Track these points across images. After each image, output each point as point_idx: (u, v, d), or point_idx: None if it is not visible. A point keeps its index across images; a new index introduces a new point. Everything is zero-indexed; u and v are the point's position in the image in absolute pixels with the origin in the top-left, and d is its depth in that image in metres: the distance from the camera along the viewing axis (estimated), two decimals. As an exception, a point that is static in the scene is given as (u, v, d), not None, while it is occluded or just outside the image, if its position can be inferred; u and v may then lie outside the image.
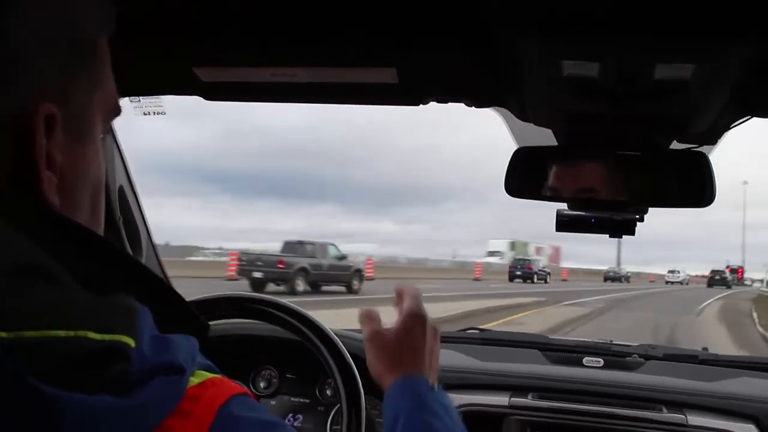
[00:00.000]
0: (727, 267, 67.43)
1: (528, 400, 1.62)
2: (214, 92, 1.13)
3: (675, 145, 1.22)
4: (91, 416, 0.33)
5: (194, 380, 0.40)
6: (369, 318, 0.91)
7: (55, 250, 0.39)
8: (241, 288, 18.75)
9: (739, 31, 0.78)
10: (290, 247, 21.18)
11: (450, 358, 1.76)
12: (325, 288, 20.37)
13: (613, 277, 60.81)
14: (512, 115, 1.17)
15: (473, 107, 1.11)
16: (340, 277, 21.00)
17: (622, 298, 28.60)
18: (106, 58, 0.50)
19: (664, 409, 1.55)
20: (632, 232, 1.25)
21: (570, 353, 1.89)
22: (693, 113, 1.04)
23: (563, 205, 1.24)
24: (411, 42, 0.92)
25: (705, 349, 2.14)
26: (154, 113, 1.24)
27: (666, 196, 1.19)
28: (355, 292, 20.54)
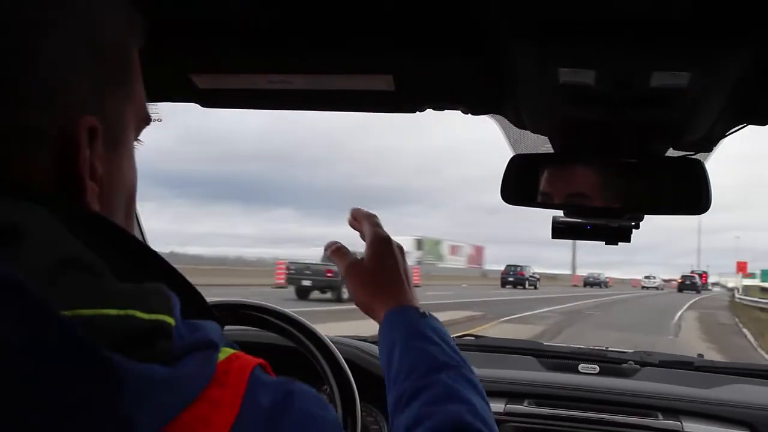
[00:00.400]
0: (692, 272, 70.07)
1: (524, 407, 1.62)
2: (210, 99, 1.13)
3: (671, 153, 1.22)
4: (147, 383, 0.37)
5: (220, 356, 0.44)
6: (339, 253, 0.91)
7: (97, 249, 0.42)
8: (283, 295, 20.56)
9: (735, 37, 0.78)
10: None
11: None
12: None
13: (592, 283, 66.07)
14: (508, 122, 1.17)
15: (469, 114, 1.11)
16: None
17: (582, 308, 23.83)
18: (137, 69, 0.52)
19: (660, 416, 1.56)
20: (628, 239, 1.26)
21: (565, 360, 1.89)
22: (689, 120, 1.05)
23: (559, 212, 1.24)
24: (407, 49, 0.92)
25: (700, 355, 2.14)
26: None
27: (662, 204, 1.19)
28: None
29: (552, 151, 1.22)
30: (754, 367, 1.95)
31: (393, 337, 0.81)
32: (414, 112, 1.11)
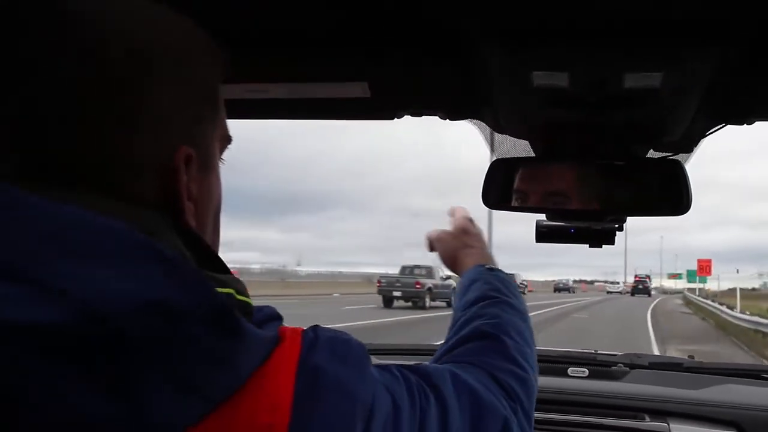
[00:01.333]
0: (636, 276, 74.43)
1: None
2: None
3: (652, 154, 1.22)
4: (254, 340, 0.48)
5: None
6: (432, 232, 1.15)
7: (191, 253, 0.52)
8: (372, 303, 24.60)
9: (704, 37, 0.78)
10: (408, 270, 25.81)
11: None
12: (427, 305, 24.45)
13: (561, 288, 70.92)
14: (488, 127, 1.17)
15: (447, 120, 1.11)
16: (446, 294, 24.75)
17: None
18: (221, 99, 0.60)
19: (647, 418, 1.56)
20: (612, 242, 1.25)
21: (555, 364, 1.88)
22: (666, 121, 1.05)
23: (541, 217, 1.24)
24: (381, 56, 0.92)
25: (691, 356, 2.14)
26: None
27: (643, 205, 1.19)
28: (451, 306, 23.46)
29: (533, 154, 1.22)
30: (743, 368, 1.95)
31: (469, 279, 0.98)
32: (392, 118, 1.11)
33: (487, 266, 1.00)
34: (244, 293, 0.52)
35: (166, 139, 0.52)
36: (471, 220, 1.13)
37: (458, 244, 1.09)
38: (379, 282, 26.04)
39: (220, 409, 0.45)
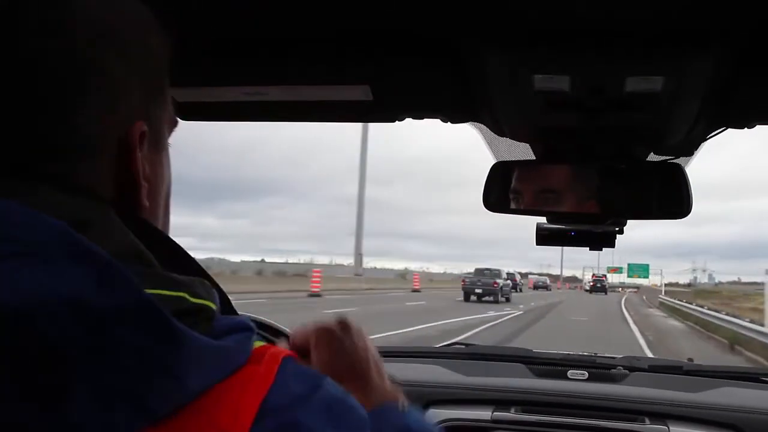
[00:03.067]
0: (593, 275, 79.53)
1: (511, 414, 1.61)
2: (189, 112, 1.13)
3: (653, 158, 1.23)
4: (200, 350, 0.43)
5: (256, 344, 0.50)
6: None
7: (147, 246, 0.48)
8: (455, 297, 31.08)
9: (704, 41, 0.78)
10: (480, 271, 33.10)
11: (434, 373, 1.75)
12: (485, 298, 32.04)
13: (540, 286, 74.30)
14: (489, 130, 1.17)
15: (449, 123, 1.11)
16: (507, 291, 34.01)
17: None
18: (168, 80, 0.60)
19: (647, 421, 1.56)
20: (612, 245, 1.26)
21: (554, 366, 1.88)
22: (666, 124, 1.05)
23: (542, 219, 1.24)
24: (383, 59, 0.92)
25: (690, 359, 2.14)
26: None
27: (643, 208, 1.19)
28: (509, 301, 33.04)
29: (533, 158, 1.22)
30: (743, 370, 1.95)
31: None
32: (393, 121, 1.12)
33: (399, 408, 0.67)
34: (203, 296, 0.48)
35: (121, 115, 0.51)
36: (333, 328, 0.70)
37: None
38: (463, 281, 33.88)
39: (164, 425, 0.41)
